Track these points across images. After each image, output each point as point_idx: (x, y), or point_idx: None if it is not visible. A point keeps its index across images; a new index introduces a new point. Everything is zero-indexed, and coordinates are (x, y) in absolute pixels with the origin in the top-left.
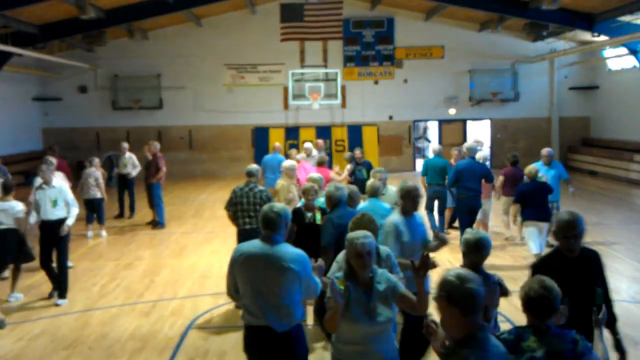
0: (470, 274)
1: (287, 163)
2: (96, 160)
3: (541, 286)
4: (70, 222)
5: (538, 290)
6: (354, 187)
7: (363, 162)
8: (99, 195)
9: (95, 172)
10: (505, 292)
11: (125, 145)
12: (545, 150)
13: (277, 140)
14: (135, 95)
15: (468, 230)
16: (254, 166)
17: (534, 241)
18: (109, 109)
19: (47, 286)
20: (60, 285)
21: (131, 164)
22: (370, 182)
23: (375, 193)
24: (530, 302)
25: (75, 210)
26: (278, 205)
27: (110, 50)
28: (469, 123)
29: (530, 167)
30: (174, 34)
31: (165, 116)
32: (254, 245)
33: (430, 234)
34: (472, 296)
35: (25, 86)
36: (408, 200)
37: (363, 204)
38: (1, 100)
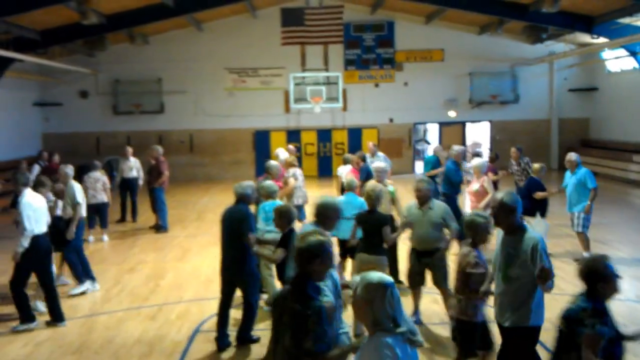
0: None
1: (376, 164)
2: (99, 165)
3: (590, 264)
4: (18, 249)
5: (584, 267)
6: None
7: (362, 167)
8: (106, 199)
9: (103, 177)
10: None
11: (130, 149)
12: (567, 155)
13: (278, 144)
14: (136, 99)
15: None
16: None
17: None
18: (109, 114)
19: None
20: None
21: (136, 168)
22: (347, 178)
23: (350, 188)
24: (580, 273)
25: (24, 235)
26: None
27: (111, 55)
28: (469, 125)
29: (535, 165)
30: (174, 39)
31: (166, 120)
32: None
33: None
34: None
35: (26, 91)
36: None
37: (341, 198)
38: (2, 106)
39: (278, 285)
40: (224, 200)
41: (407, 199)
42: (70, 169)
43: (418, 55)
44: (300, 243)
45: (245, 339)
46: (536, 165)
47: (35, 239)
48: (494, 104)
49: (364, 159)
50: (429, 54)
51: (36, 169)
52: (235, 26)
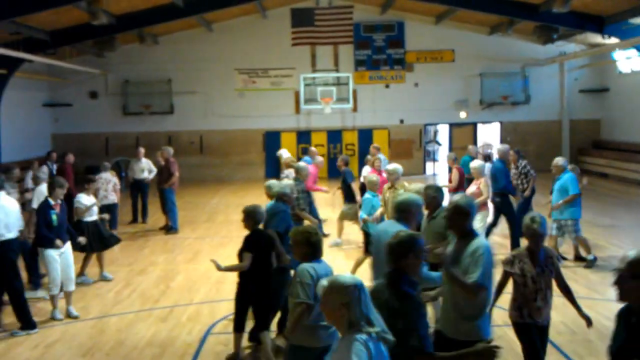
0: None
1: (389, 166)
2: (108, 166)
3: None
4: None
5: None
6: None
7: (344, 170)
8: (116, 200)
9: (113, 178)
10: None
11: (142, 150)
12: (555, 160)
13: (289, 145)
14: (145, 100)
15: None
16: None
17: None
18: (119, 115)
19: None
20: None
21: (147, 169)
22: (369, 177)
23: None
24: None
25: None
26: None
27: (121, 56)
28: (480, 126)
29: (569, 166)
30: (184, 39)
31: (176, 121)
32: None
33: None
34: None
35: (35, 92)
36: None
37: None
38: (12, 107)
39: None
40: (235, 201)
41: None
42: (42, 173)
43: (428, 56)
44: (392, 239)
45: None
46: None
47: (7, 244)
48: (505, 105)
49: (346, 163)
50: (439, 55)
51: (45, 170)
52: (245, 27)
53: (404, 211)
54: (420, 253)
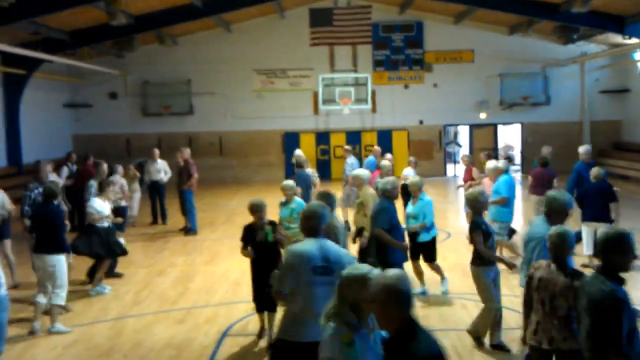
0: None
1: (355, 172)
2: (120, 168)
3: None
4: None
5: None
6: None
7: (298, 173)
8: (123, 203)
9: (121, 180)
10: None
11: (157, 151)
12: (488, 163)
13: (308, 146)
14: (165, 101)
15: None
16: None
17: (587, 241)
18: (139, 115)
19: (77, 294)
20: None
21: (163, 170)
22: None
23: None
24: None
25: None
26: None
27: (140, 56)
28: (500, 127)
29: (594, 169)
30: (203, 40)
31: (195, 122)
32: None
33: None
34: None
35: (55, 93)
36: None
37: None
38: (32, 107)
39: None
40: None
41: (437, 203)
42: None
43: (447, 56)
44: (601, 235)
45: None
46: (601, 171)
47: None
48: (525, 106)
49: (299, 165)
50: (458, 55)
51: (65, 171)
52: (263, 27)
53: (553, 210)
54: (628, 249)
